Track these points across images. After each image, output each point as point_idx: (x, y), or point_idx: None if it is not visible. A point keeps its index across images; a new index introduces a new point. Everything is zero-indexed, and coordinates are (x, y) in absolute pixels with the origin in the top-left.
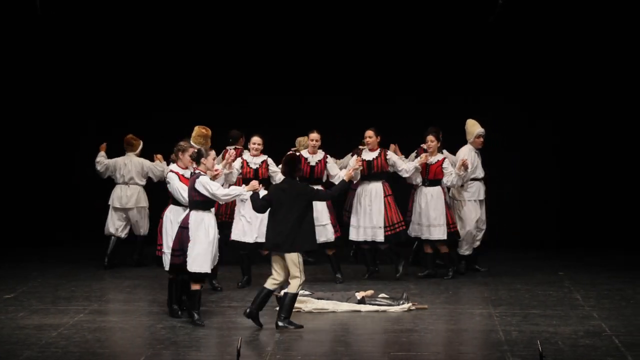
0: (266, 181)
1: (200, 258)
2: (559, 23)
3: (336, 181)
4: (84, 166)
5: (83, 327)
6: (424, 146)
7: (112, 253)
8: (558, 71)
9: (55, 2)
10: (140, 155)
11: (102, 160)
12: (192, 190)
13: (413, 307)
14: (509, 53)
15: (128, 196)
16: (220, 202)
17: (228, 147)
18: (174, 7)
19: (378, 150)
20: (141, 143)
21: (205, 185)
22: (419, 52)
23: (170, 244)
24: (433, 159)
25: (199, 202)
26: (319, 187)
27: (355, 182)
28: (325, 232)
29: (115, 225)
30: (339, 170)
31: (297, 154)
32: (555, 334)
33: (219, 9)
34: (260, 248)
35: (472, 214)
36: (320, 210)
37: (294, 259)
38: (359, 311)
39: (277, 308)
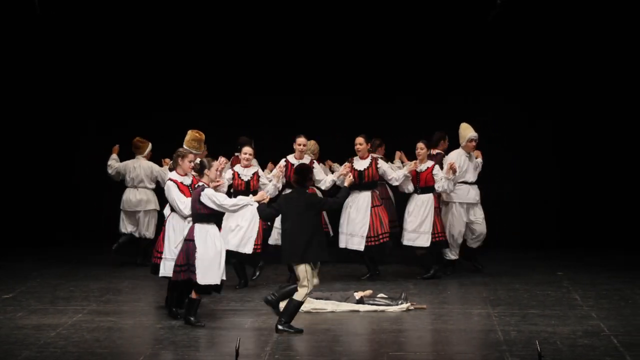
0: (256, 193)
1: (210, 270)
2: (558, 23)
3: (322, 186)
4: (84, 166)
5: (82, 327)
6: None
7: (124, 243)
8: (558, 71)
9: (54, 2)
10: (151, 156)
11: (113, 163)
12: (197, 203)
13: (412, 307)
14: (508, 53)
15: (137, 199)
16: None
17: (237, 154)
18: (174, 7)
19: (369, 160)
20: (149, 145)
21: (212, 197)
22: (419, 52)
23: (173, 249)
24: (423, 166)
25: (204, 215)
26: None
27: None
28: None
29: (127, 228)
30: (324, 175)
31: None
32: (554, 334)
33: (219, 9)
34: (243, 256)
35: (457, 219)
36: None
37: (302, 269)
38: (358, 311)
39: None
